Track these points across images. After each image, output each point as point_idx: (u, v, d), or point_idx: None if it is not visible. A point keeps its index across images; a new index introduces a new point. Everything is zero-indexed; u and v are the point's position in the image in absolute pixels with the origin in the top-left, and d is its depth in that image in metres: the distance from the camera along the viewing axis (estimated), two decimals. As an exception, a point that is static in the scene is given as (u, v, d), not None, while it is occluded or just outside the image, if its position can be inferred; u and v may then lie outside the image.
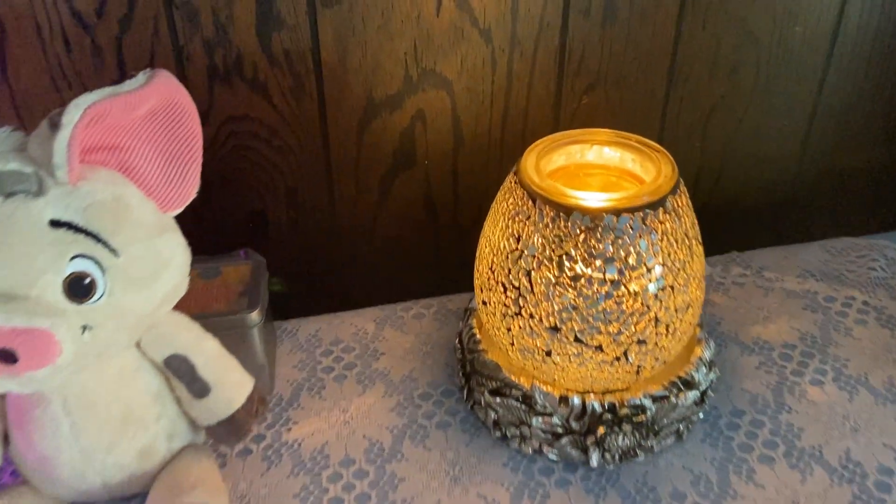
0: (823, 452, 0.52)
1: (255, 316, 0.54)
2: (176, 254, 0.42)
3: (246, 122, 0.62)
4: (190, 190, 0.44)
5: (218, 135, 0.62)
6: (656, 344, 0.48)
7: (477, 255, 0.53)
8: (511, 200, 0.49)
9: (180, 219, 0.66)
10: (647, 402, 0.50)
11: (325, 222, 0.68)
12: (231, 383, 0.47)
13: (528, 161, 0.50)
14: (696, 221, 0.49)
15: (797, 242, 0.73)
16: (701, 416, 0.54)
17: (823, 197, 0.79)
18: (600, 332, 0.47)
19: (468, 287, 0.56)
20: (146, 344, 0.45)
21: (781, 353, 0.61)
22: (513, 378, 0.52)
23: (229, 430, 0.48)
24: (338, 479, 0.51)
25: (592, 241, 0.45)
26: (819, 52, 0.69)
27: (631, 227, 0.45)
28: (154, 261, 0.41)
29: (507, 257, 0.49)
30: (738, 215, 0.77)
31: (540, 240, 0.47)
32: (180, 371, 0.46)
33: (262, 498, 0.50)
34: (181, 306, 0.54)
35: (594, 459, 0.50)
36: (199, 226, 0.65)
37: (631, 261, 0.46)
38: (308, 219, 0.68)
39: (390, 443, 0.54)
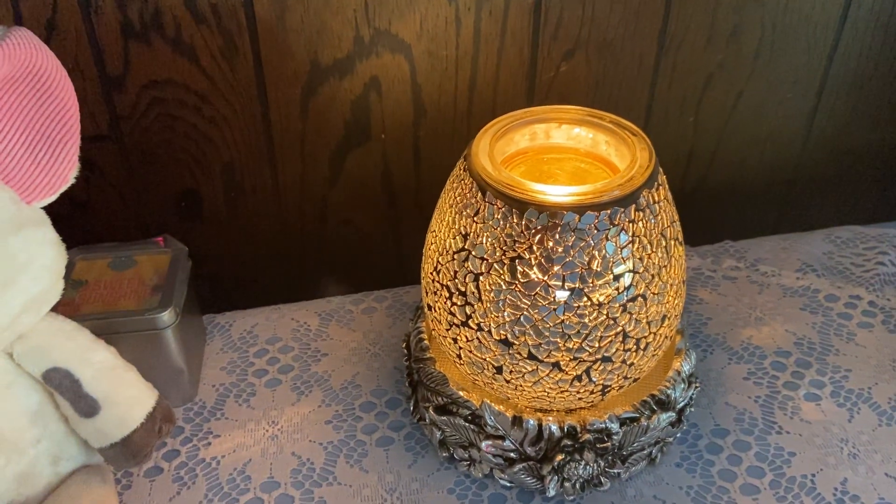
0: (816, 483, 0.46)
1: (167, 316, 0.47)
2: (39, 254, 0.35)
3: (170, 88, 0.54)
4: (65, 173, 0.37)
5: (138, 102, 0.54)
6: (624, 362, 0.41)
7: (424, 251, 0.46)
8: (459, 191, 0.41)
9: (100, 199, 0.61)
10: (614, 426, 0.43)
11: (268, 203, 0.61)
12: (125, 400, 0.41)
13: (481, 144, 0.42)
14: (676, 218, 0.42)
15: (798, 231, 0.66)
16: (678, 434, 0.48)
17: (829, 181, 0.71)
18: (558, 349, 0.40)
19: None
20: (20, 356, 0.38)
21: (774, 362, 0.54)
22: (461, 394, 0.45)
23: (125, 454, 0.41)
24: (257, 507, 0.45)
25: (550, 243, 0.38)
26: (831, 14, 0.61)
27: (596, 228, 0.38)
28: (5, 264, 0.33)
29: (454, 258, 0.41)
30: (733, 200, 0.69)
31: (490, 240, 0.39)
32: (62, 387, 0.39)
33: (169, 527, 0.44)
34: (86, 301, 0.48)
35: (551, 490, 0.44)
36: (121, 207, 0.58)
37: (595, 266, 0.38)
38: (248, 199, 0.60)
39: (322, 462, 0.47)
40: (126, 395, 0.41)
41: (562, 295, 0.39)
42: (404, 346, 0.51)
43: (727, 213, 0.70)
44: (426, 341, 0.48)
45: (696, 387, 0.47)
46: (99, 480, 0.42)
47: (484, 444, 0.44)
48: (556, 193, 0.38)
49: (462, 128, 0.61)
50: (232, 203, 0.60)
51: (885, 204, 0.74)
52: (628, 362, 0.41)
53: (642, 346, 0.41)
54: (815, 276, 0.60)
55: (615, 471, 0.45)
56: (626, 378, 0.42)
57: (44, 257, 0.35)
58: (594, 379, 0.41)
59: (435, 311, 0.44)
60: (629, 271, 0.39)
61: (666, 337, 0.43)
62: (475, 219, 0.40)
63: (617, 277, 0.39)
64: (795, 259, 0.62)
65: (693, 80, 0.62)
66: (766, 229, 0.68)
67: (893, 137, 0.69)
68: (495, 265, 0.39)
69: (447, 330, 0.43)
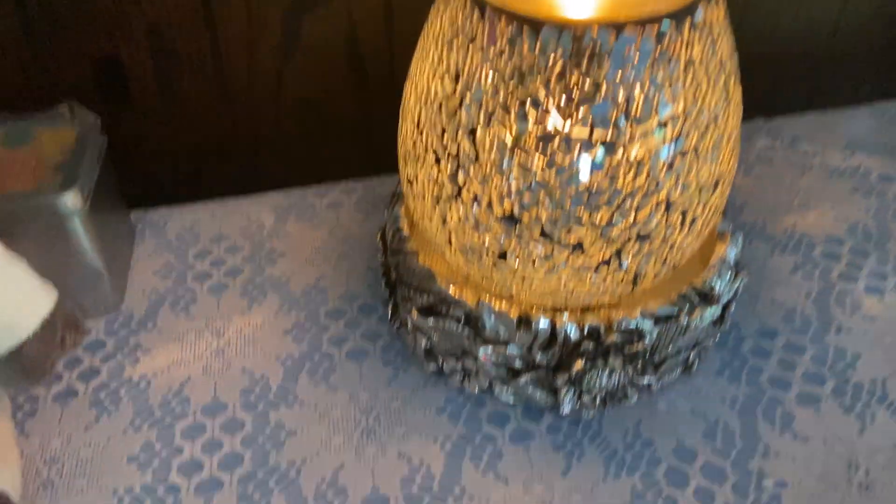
0: (889, 389, 0.37)
1: (71, 200, 0.37)
2: None
3: (72, -81, 0.42)
4: None
5: (31, -62, 0.42)
6: (665, 240, 0.32)
7: (401, 108, 0.36)
8: (448, 15, 0.31)
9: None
10: (647, 325, 0.34)
11: (209, 77, 0.50)
12: (12, 304, 0.31)
13: (475, -49, 0.31)
14: (735, 48, 0.32)
15: (840, 107, 0.57)
16: (717, 337, 0.39)
17: (874, 47, 0.61)
18: (581, 223, 0.30)
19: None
20: None
21: (825, 252, 0.45)
22: (452, 291, 0.35)
23: (17, 371, 0.32)
24: (198, 434, 0.36)
25: (574, 77, 0.28)
26: None
27: (637, 51, 0.28)
28: None
29: (442, 107, 0.31)
30: (764, 71, 0.60)
31: (491, 76, 0.29)
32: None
33: (84, 463, 0.35)
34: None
35: (567, 405, 0.35)
36: (21, 80, 0.47)
37: (634, 110, 0.28)
38: (183, 70, 0.49)
39: (280, 380, 0.38)
40: (12, 298, 0.31)
41: (588, 149, 0.29)
42: (379, 238, 0.41)
43: (757, 86, 0.60)
44: (406, 231, 0.39)
45: (743, 278, 0.38)
46: (-14, 408, 0.32)
47: (481, 352, 0.35)
48: (583, 7, 0.28)
49: (444, -19, 0.49)
50: (164, 77, 0.49)
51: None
52: (670, 241, 0.32)
53: (688, 221, 0.32)
54: (865, 156, 0.52)
55: (644, 381, 0.36)
56: (664, 263, 0.33)
57: None
58: (625, 264, 0.32)
59: (417, 183, 0.34)
60: (679, 115, 0.29)
61: (717, 209, 0.33)
62: (471, 48, 0.30)
63: (662, 124, 0.29)
64: (840, 136, 0.53)
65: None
66: (803, 105, 0.59)
67: (949, -4, 0.60)
68: (499, 111, 0.29)
69: (433, 207, 0.33)
